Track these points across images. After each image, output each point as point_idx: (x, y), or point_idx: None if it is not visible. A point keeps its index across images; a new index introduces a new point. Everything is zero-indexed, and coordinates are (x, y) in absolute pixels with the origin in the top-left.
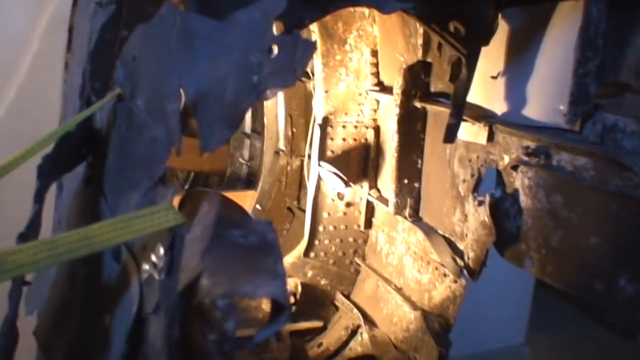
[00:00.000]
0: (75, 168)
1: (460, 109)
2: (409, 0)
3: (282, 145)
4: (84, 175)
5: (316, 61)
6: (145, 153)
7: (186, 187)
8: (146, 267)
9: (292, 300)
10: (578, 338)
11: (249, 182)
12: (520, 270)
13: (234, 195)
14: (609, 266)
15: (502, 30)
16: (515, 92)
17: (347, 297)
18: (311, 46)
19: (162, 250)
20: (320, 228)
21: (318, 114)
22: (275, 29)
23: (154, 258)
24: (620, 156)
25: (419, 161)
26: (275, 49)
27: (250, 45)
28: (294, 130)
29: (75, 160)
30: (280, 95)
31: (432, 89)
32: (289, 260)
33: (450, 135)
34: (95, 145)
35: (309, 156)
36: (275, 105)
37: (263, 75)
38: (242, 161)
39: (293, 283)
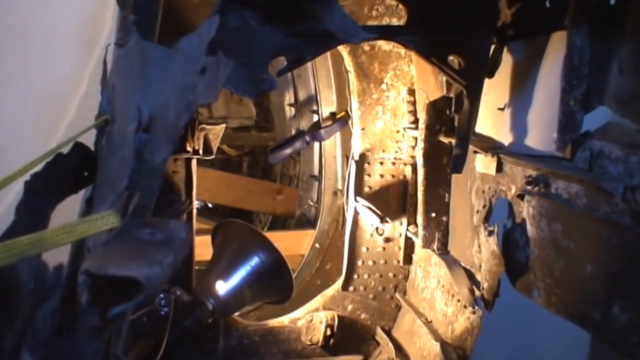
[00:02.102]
0: (80, 190)
1: (465, 140)
2: (407, 40)
3: (339, 185)
4: (84, 196)
5: (353, 100)
6: (114, 171)
7: (265, 229)
8: None
9: (328, 332)
10: None
11: (317, 222)
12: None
13: (293, 235)
14: (604, 295)
15: (507, 63)
16: (519, 123)
17: (388, 332)
18: (230, 64)
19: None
20: (359, 262)
21: (355, 150)
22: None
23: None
24: (605, 182)
25: (446, 195)
26: (205, 71)
27: (189, 68)
28: None
29: (79, 183)
30: (338, 136)
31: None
32: (329, 293)
33: (456, 166)
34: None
35: (347, 191)
36: (334, 147)
37: (197, 94)
38: (311, 203)
39: (330, 315)
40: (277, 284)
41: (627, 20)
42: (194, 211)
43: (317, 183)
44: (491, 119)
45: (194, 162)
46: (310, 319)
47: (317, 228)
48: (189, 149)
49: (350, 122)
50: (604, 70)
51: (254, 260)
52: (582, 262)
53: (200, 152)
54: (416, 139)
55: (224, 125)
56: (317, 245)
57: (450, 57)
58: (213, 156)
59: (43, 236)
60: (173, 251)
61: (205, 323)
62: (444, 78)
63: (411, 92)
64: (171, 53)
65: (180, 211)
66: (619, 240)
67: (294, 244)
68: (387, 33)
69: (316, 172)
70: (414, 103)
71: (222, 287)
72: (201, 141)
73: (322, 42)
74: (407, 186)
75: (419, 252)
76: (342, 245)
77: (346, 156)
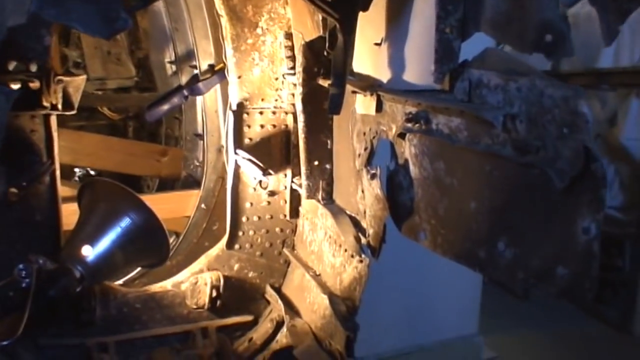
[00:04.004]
0: None
1: (341, 78)
2: None
3: (224, 142)
4: None
5: (227, 46)
6: None
7: (154, 191)
8: None
9: (214, 293)
10: (531, 325)
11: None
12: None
13: (178, 196)
14: (488, 231)
15: None
16: (396, 57)
17: (278, 289)
18: None
19: None
20: (244, 219)
21: (232, 100)
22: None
23: None
24: (484, 112)
25: (328, 141)
26: None
27: None
28: None
29: None
30: (219, 91)
31: None
32: (213, 253)
33: (333, 107)
34: None
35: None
36: (215, 101)
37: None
38: (197, 163)
39: (215, 276)
40: (152, 246)
41: None
42: (57, 172)
43: (202, 142)
44: (369, 55)
45: (53, 119)
46: (195, 281)
47: (203, 187)
48: (45, 104)
49: (226, 70)
50: None
51: (125, 221)
52: (465, 199)
53: (59, 107)
54: (295, 85)
55: (84, 77)
56: (202, 205)
57: None
58: (74, 111)
59: None
60: None
61: (73, 291)
62: (320, 17)
63: (288, 36)
64: None
65: (41, 172)
66: (501, 172)
67: (178, 206)
68: None
69: (200, 131)
70: (292, 48)
71: (90, 252)
72: (59, 95)
73: None
74: (290, 136)
75: (305, 204)
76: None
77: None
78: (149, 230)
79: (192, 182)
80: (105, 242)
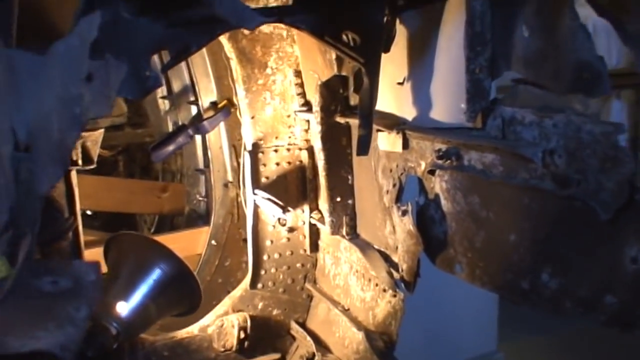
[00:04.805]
0: None
1: (368, 119)
2: (297, 19)
3: (230, 177)
4: None
5: (238, 88)
6: None
7: (152, 230)
8: None
9: (242, 335)
10: (549, 339)
11: (209, 217)
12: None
13: (188, 234)
14: (530, 262)
15: (402, 35)
16: (422, 96)
17: (302, 324)
18: (122, 69)
19: None
20: (265, 257)
21: (247, 140)
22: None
23: None
24: (523, 148)
25: (349, 177)
26: (92, 77)
27: (71, 75)
28: (240, 160)
29: None
30: (222, 126)
31: (352, 102)
32: (236, 294)
33: (363, 148)
34: None
35: (244, 185)
36: (219, 137)
37: (84, 105)
38: (200, 198)
39: (242, 317)
40: (184, 294)
41: None
42: (80, 228)
43: (203, 176)
44: (391, 94)
45: (73, 174)
46: (221, 324)
47: (212, 224)
48: None
49: (237, 111)
50: (507, 33)
51: (156, 273)
52: (504, 232)
53: (80, 162)
54: (308, 122)
55: (102, 130)
56: (213, 242)
57: (345, 34)
58: (94, 165)
59: None
60: (85, 301)
61: (110, 349)
62: (334, 56)
63: (298, 73)
64: (45, 59)
65: (64, 229)
66: (540, 205)
67: (189, 244)
68: (280, 14)
69: (201, 165)
70: (301, 85)
71: (124, 308)
72: (79, 150)
73: (208, 29)
74: (305, 172)
75: (325, 238)
76: (239, 238)
77: (233, 146)
78: (180, 279)
79: (197, 217)
80: (138, 296)
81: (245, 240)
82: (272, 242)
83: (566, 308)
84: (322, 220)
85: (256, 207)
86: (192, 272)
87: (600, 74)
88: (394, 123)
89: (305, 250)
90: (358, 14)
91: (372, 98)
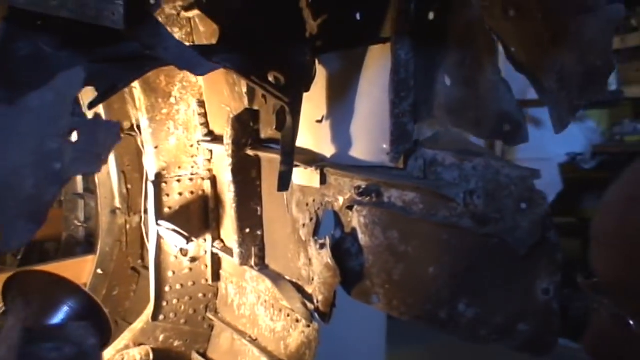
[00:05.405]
0: None
1: (290, 156)
2: (224, 59)
3: (118, 203)
4: None
5: (142, 117)
6: None
7: (19, 257)
8: None
9: None
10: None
11: (89, 244)
12: None
13: (73, 263)
14: (448, 294)
15: (321, 75)
16: (341, 135)
17: (204, 355)
18: (115, 129)
19: None
20: (167, 288)
21: (150, 171)
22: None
23: None
24: (445, 189)
25: (259, 209)
26: (75, 134)
27: (46, 131)
28: (129, 186)
29: None
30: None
31: (262, 135)
32: (137, 327)
33: (283, 184)
34: None
35: (146, 213)
36: (107, 163)
37: (66, 161)
38: (78, 223)
39: (144, 351)
40: (96, 331)
41: (448, 33)
42: None
43: (82, 201)
44: (309, 131)
45: None
46: (122, 358)
47: (98, 252)
48: None
49: (139, 139)
50: (429, 82)
51: (64, 311)
52: (423, 265)
53: None
54: (211, 151)
55: None
56: (99, 270)
57: (270, 74)
58: None
59: None
60: None
61: None
62: (244, 89)
63: (201, 103)
64: (14, 112)
65: None
66: (459, 241)
67: (75, 274)
68: (206, 54)
69: (80, 190)
70: (205, 115)
71: None
72: None
73: (136, 66)
74: (208, 201)
75: (228, 267)
76: (127, 267)
77: (122, 172)
78: (91, 314)
79: (75, 244)
80: None
81: (133, 268)
82: (174, 272)
83: (482, 335)
84: (225, 249)
85: (159, 237)
86: (100, 304)
87: (520, 125)
88: (311, 159)
89: (207, 280)
90: (282, 55)
91: (295, 135)
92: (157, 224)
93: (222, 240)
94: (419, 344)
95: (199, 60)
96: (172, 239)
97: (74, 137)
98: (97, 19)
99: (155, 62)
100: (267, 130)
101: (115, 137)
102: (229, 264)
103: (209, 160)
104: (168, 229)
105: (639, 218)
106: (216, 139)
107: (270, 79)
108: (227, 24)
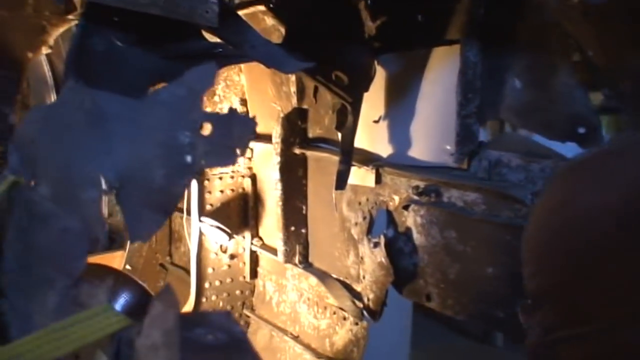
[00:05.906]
0: None
1: (349, 156)
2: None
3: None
4: None
5: None
6: (55, 247)
7: None
8: None
9: None
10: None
11: (111, 240)
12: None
13: (103, 258)
14: (507, 294)
15: (378, 75)
16: (399, 135)
17: None
18: (250, 124)
19: None
20: (207, 285)
21: None
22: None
23: None
24: (509, 189)
25: (304, 207)
26: (208, 128)
27: (177, 124)
28: None
29: None
30: None
31: (310, 134)
32: None
33: (341, 183)
34: None
35: (187, 211)
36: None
37: (197, 154)
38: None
39: None
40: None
41: (519, 36)
42: None
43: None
44: (365, 131)
45: None
46: None
47: (127, 248)
48: None
49: None
50: (497, 84)
51: (120, 303)
52: (482, 265)
53: None
54: (252, 150)
55: None
56: (128, 266)
57: (334, 74)
58: None
59: (19, 349)
60: (255, 356)
61: None
62: (292, 89)
63: (243, 102)
64: (143, 105)
65: None
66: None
67: None
68: None
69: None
70: (246, 113)
71: None
72: None
73: (222, 60)
74: (247, 199)
75: (266, 265)
76: (156, 263)
77: None
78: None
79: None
80: None
81: (162, 264)
82: (213, 269)
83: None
84: (264, 247)
85: (201, 234)
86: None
87: (595, 128)
88: (365, 158)
89: (244, 277)
90: (344, 55)
91: (354, 135)
92: (200, 221)
93: (260, 238)
94: (442, 342)
95: (286, 58)
96: (213, 236)
97: (207, 130)
98: (190, 17)
99: (225, 60)
100: (315, 130)
101: (251, 131)
102: (268, 261)
103: (250, 159)
104: (211, 225)
105: (554, 226)
106: (258, 137)
107: (334, 78)
108: (294, 24)
